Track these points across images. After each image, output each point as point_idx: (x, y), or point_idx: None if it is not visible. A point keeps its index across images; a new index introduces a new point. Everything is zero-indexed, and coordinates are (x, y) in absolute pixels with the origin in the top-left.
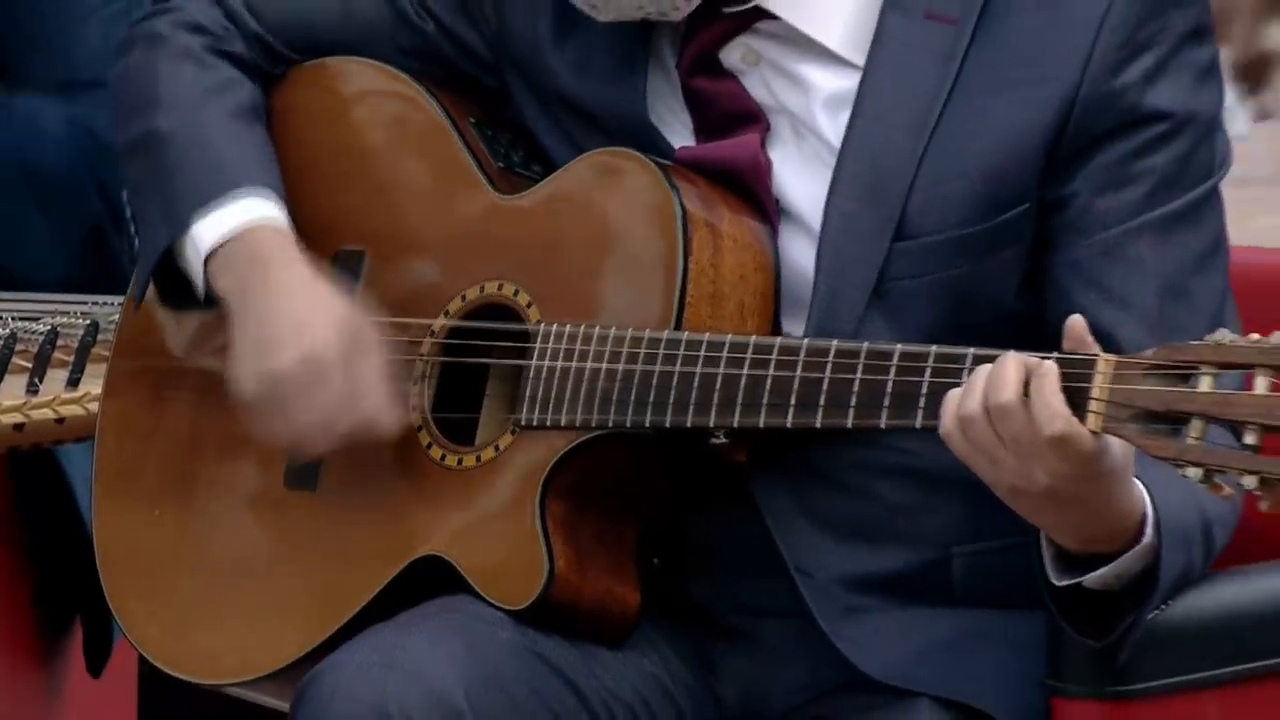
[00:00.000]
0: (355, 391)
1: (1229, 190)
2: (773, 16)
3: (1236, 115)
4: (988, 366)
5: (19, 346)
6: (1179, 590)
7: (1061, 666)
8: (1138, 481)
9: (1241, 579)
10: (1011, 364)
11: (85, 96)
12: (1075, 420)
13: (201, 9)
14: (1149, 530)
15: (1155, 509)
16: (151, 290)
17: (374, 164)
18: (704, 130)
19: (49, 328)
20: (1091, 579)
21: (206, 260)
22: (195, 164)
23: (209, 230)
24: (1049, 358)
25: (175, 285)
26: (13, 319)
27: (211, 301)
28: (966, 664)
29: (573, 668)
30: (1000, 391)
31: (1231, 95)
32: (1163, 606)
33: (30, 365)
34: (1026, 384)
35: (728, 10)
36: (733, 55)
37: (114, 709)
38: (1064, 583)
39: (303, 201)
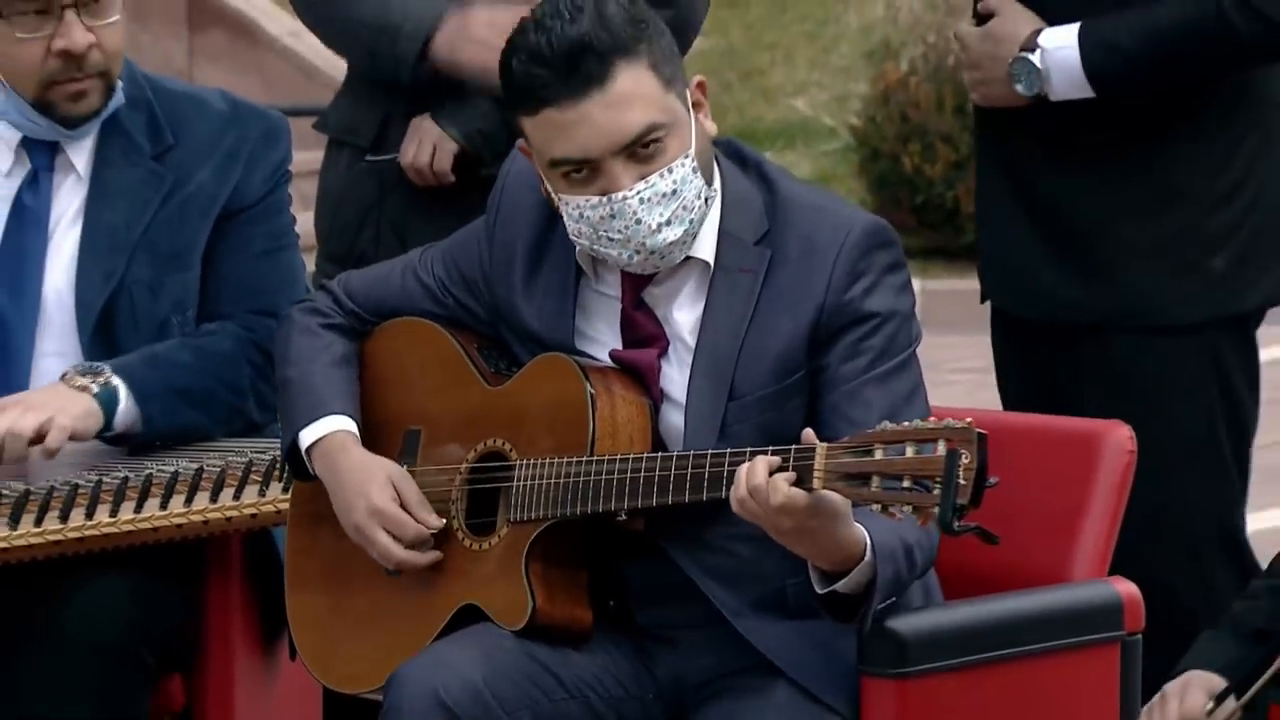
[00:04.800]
0: (402, 522)
1: None
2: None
3: None
4: (747, 464)
5: (254, 467)
6: (896, 589)
7: (865, 656)
8: (860, 525)
9: (973, 604)
10: (760, 461)
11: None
12: (792, 489)
13: (321, 298)
14: (868, 553)
15: (871, 539)
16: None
17: (422, 375)
18: (628, 342)
19: (272, 456)
20: (841, 586)
21: (307, 454)
22: (304, 398)
23: (307, 437)
24: (787, 452)
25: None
26: (250, 451)
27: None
28: (806, 654)
29: (554, 663)
30: (754, 477)
31: None
32: (890, 600)
33: (260, 479)
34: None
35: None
36: (650, 296)
37: (306, 682)
38: (824, 590)
39: (385, 400)
